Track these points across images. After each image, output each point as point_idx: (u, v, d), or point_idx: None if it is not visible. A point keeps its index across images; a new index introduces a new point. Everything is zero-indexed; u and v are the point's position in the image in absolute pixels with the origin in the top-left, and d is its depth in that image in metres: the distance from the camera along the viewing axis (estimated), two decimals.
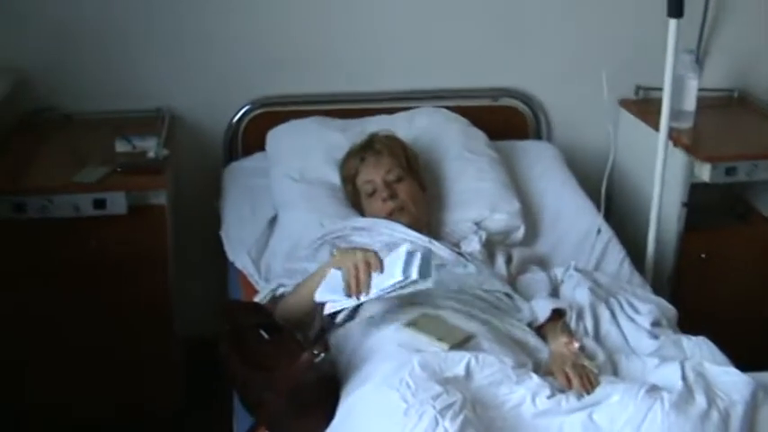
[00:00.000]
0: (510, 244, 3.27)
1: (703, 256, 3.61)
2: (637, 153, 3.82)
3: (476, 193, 3.36)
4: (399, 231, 2.97)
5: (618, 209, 4.03)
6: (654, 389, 2.31)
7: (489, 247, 3.12)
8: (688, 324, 2.91)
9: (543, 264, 3.20)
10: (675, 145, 3.53)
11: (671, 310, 2.95)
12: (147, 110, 3.67)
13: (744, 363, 2.55)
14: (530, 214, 3.44)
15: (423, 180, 3.23)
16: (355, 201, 3.21)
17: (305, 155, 3.45)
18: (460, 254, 2.95)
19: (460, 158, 3.44)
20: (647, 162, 3.42)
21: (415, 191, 3.15)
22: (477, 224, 3.26)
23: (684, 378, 2.37)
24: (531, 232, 3.38)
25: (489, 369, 2.38)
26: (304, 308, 2.65)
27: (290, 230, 3.24)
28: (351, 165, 3.19)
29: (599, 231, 3.28)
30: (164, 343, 3.38)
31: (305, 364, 2.30)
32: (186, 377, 3.51)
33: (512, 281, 2.99)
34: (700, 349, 2.68)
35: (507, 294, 2.82)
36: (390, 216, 3.03)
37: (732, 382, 2.38)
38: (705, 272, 3.66)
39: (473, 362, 2.39)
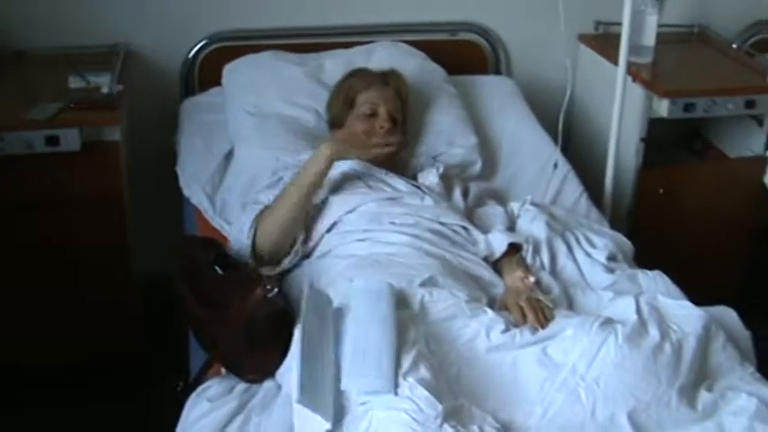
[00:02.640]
0: (467, 178, 3.20)
1: (661, 191, 3.56)
2: (596, 88, 3.77)
3: (433, 127, 3.29)
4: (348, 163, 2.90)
5: (577, 144, 3.97)
6: (608, 322, 2.27)
7: (447, 180, 3.04)
8: (645, 259, 2.87)
9: (500, 198, 3.14)
10: (634, 80, 3.47)
11: (627, 244, 2.91)
12: (102, 45, 3.55)
13: (699, 297, 2.52)
14: (487, 149, 3.37)
15: (406, 137, 3.12)
16: (341, 113, 3.08)
17: (261, 89, 3.35)
18: (417, 186, 2.88)
19: (417, 93, 3.35)
20: (607, 97, 3.36)
21: (398, 139, 3.02)
22: (435, 158, 3.19)
23: (638, 311, 2.33)
24: (488, 166, 3.32)
25: (443, 304, 2.35)
26: (285, 226, 2.65)
27: (246, 165, 3.16)
28: (366, 80, 3.08)
29: (555, 165, 3.22)
30: (122, 282, 3.31)
31: (257, 300, 2.26)
32: (145, 317, 3.43)
33: (468, 214, 2.93)
34: (655, 283, 2.65)
35: (464, 227, 2.75)
36: (375, 146, 2.90)
37: (685, 315, 2.36)
38: (663, 207, 3.61)
39: (426, 297, 2.36)
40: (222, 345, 2.34)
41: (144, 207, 3.54)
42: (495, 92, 3.65)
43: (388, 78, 3.10)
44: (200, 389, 2.32)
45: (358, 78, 3.11)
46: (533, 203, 2.95)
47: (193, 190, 3.18)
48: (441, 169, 3.04)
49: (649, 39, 3.57)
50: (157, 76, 3.70)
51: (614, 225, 3.21)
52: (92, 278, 3.27)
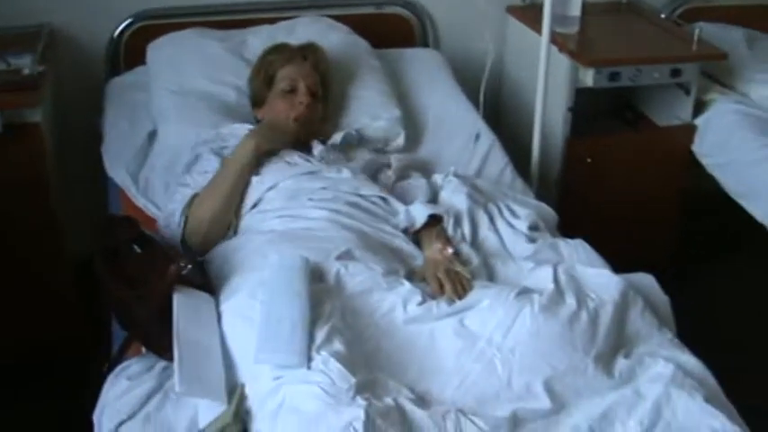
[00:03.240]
0: (391, 151, 3.18)
1: (589, 160, 3.55)
2: (525, 59, 3.72)
3: (356, 101, 3.25)
4: None
5: (507, 116, 3.96)
6: (524, 292, 2.27)
7: (365, 152, 3.06)
8: (573, 228, 2.85)
9: (425, 170, 3.09)
10: (560, 50, 3.44)
11: (551, 213, 2.90)
12: (26, 26, 3.47)
13: (628, 265, 2.52)
14: (413, 122, 3.34)
15: (327, 110, 3.11)
16: (260, 91, 3.03)
17: (183, 67, 3.30)
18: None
19: (341, 68, 3.31)
20: (535, 68, 3.33)
21: (319, 116, 3.03)
22: (357, 131, 3.15)
23: (556, 280, 2.33)
24: (413, 139, 3.28)
25: (359, 277, 2.32)
26: (216, 218, 2.65)
27: (168, 143, 3.11)
28: (283, 56, 3.02)
29: (477, 137, 3.20)
30: (54, 266, 3.24)
31: (171, 277, 2.26)
32: (83, 303, 3.36)
33: (391, 187, 2.89)
34: (576, 252, 2.63)
35: (383, 198, 2.72)
36: (295, 121, 2.89)
37: (603, 283, 2.35)
38: (591, 176, 3.59)
39: (342, 271, 2.33)
40: (140, 323, 2.31)
41: (73, 189, 3.48)
42: (422, 65, 3.61)
43: (306, 53, 3.06)
44: (119, 368, 2.30)
45: (276, 55, 3.06)
46: (456, 175, 2.91)
47: (117, 170, 3.12)
48: (341, 136, 3.02)
49: (575, 9, 3.55)
50: (83, 56, 3.62)
51: (542, 195, 3.22)
52: (22, 263, 3.19)
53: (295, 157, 2.81)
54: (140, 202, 3.01)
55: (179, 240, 2.66)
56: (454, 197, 2.80)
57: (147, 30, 3.58)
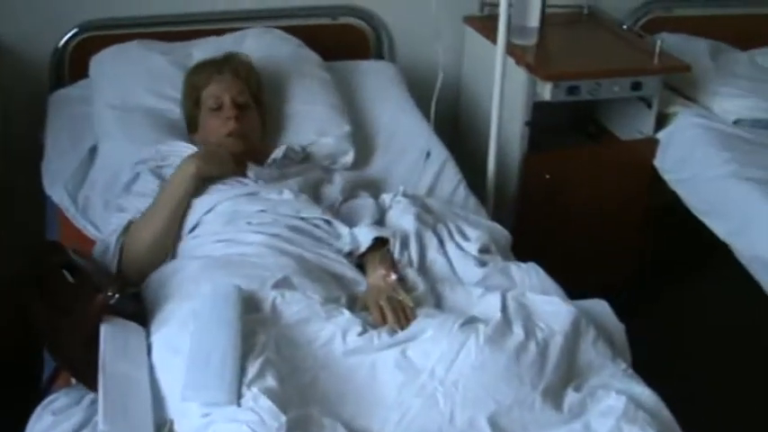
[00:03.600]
0: (339, 169, 3.06)
1: (547, 176, 3.43)
2: (482, 72, 3.62)
3: (303, 116, 3.11)
4: None
5: (465, 130, 3.85)
6: (470, 322, 2.17)
7: (311, 169, 2.92)
8: (530, 249, 2.75)
9: (375, 189, 2.98)
10: (517, 63, 3.33)
11: (504, 234, 2.79)
12: None
13: (587, 287, 2.44)
14: (363, 138, 3.21)
15: (264, 113, 2.99)
16: (192, 114, 2.92)
17: (126, 81, 3.16)
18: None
19: (289, 81, 3.20)
20: (492, 81, 3.21)
21: (256, 121, 2.90)
22: (303, 149, 3.03)
23: (504, 309, 2.24)
24: (363, 156, 3.15)
25: (296, 306, 2.22)
26: (152, 247, 2.53)
27: (109, 161, 2.96)
28: (205, 74, 2.90)
29: (428, 155, 3.07)
30: None
31: (98, 307, 2.18)
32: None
33: (337, 208, 2.78)
34: (528, 276, 2.54)
35: (326, 221, 2.61)
36: (229, 137, 2.78)
37: (553, 311, 2.26)
38: (549, 193, 3.47)
39: (278, 299, 2.22)
40: (67, 353, 2.21)
41: (13, 207, 3.34)
42: (375, 78, 3.49)
43: (222, 66, 2.92)
44: (46, 401, 2.18)
45: (196, 74, 2.94)
46: (405, 195, 2.80)
47: (55, 188, 2.98)
48: (282, 151, 2.90)
49: (534, 19, 3.44)
50: (26, 68, 3.46)
51: (498, 213, 3.13)
52: None
53: (235, 178, 2.70)
54: (79, 222, 2.87)
55: (114, 270, 2.53)
56: (402, 218, 2.68)
57: (93, 40, 3.43)
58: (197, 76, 2.93)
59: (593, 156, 3.58)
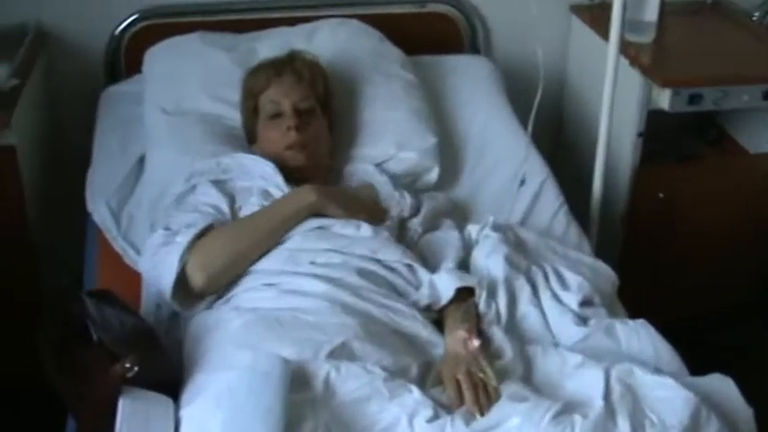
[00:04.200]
0: (421, 188, 2.65)
1: (661, 195, 2.95)
2: (589, 71, 3.17)
3: (383, 126, 2.69)
4: (273, 183, 2.37)
5: (569, 140, 3.38)
6: (565, 411, 1.77)
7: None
8: (641, 274, 2.47)
9: (461, 214, 2.59)
10: (632, 64, 2.85)
11: (610, 277, 2.36)
12: (8, 25, 2.97)
13: (706, 321, 2.03)
14: (450, 150, 2.77)
15: (333, 121, 2.61)
16: (251, 123, 2.56)
17: (182, 81, 2.77)
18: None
19: (368, 83, 2.77)
20: (601, 82, 2.74)
21: (323, 130, 2.53)
22: (378, 165, 2.62)
23: (607, 393, 1.84)
24: (450, 172, 2.72)
25: (354, 382, 1.85)
26: (233, 260, 2.18)
27: (158, 174, 2.59)
28: (262, 77, 2.52)
29: (522, 183, 2.60)
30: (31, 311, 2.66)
31: (114, 381, 1.85)
32: None
33: (416, 242, 2.40)
34: (637, 336, 2.11)
35: (408, 266, 2.22)
36: (289, 149, 2.42)
37: (668, 398, 1.85)
38: (663, 214, 2.98)
39: (333, 374, 1.85)
40: (85, 423, 1.92)
41: (62, 219, 2.95)
42: (468, 76, 3.01)
43: (283, 67, 2.53)
44: None
45: (254, 77, 2.56)
46: (495, 227, 2.37)
47: (97, 204, 2.63)
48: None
49: (652, 13, 2.95)
50: (80, 60, 3.10)
51: (603, 238, 2.77)
52: None
53: None
54: (119, 245, 2.53)
55: (170, 285, 2.13)
56: (490, 260, 2.27)
57: (154, 29, 3.04)
58: (254, 80, 2.56)
59: (717, 171, 3.07)
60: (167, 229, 2.23)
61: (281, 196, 2.29)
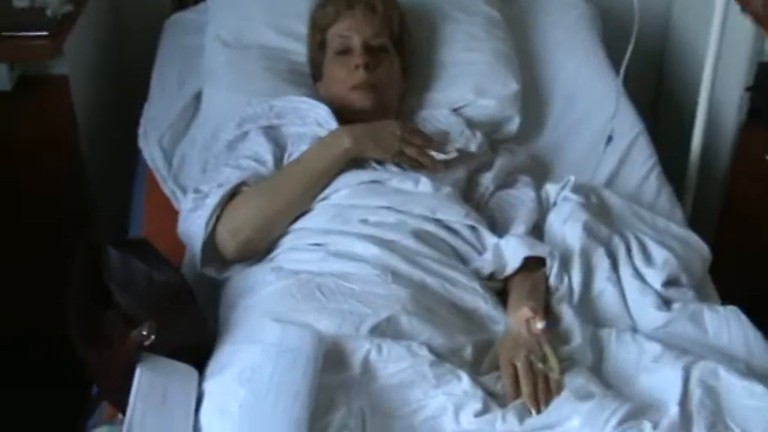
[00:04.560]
0: (499, 139, 2.39)
1: None
2: (696, 16, 2.85)
3: (461, 68, 2.43)
4: (328, 129, 2.12)
5: (670, 92, 3.06)
6: (633, 415, 1.55)
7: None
8: (738, 250, 2.32)
9: (539, 171, 2.33)
10: (743, 10, 2.53)
11: (702, 253, 2.08)
12: None
13: None
14: (534, 99, 2.50)
15: (407, 63, 2.36)
16: (317, 59, 2.33)
17: (244, 10, 2.53)
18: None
19: (446, 20, 2.51)
20: (707, 29, 2.43)
21: (395, 72, 2.28)
22: (455, 111, 2.36)
23: (684, 397, 1.61)
24: (532, 124, 2.46)
25: (396, 365, 1.65)
26: (269, 223, 1.97)
27: (213, 112, 2.38)
28: (331, 9, 2.29)
29: (609, 140, 2.30)
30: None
31: (128, 349, 1.67)
32: None
33: (485, 200, 2.16)
34: (727, 327, 1.85)
35: (472, 227, 1.99)
36: (355, 90, 2.18)
37: (756, 409, 1.61)
38: None
39: (373, 354, 1.64)
40: (107, 385, 1.75)
41: (116, 162, 2.75)
42: (561, 15, 2.70)
43: (355, 0, 2.28)
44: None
45: (323, 10, 2.32)
46: (576, 189, 2.11)
47: (149, 140, 2.44)
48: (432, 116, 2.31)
49: None
50: None
51: (699, 204, 2.51)
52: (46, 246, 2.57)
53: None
54: (168, 187, 2.34)
55: (199, 246, 1.95)
56: (566, 227, 2.02)
57: None
58: (322, 12, 2.32)
59: None
60: (197, 191, 2.02)
61: (314, 144, 2.06)
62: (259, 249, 1.97)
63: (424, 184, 2.01)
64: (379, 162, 2.06)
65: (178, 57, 2.63)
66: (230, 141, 2.20)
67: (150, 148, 2.42)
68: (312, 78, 2.38)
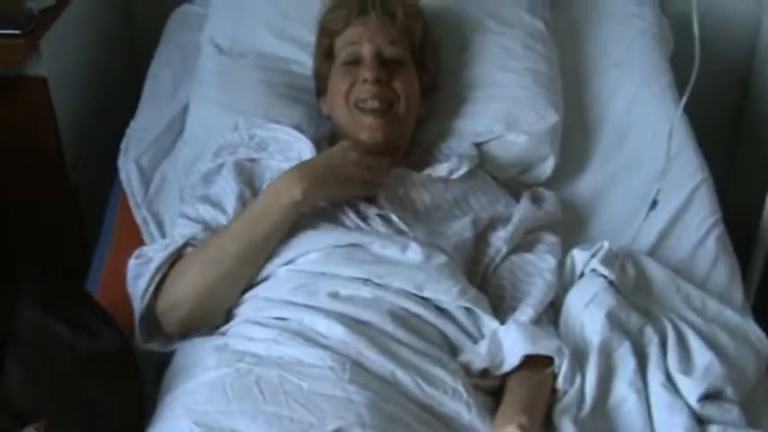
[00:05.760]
0: (528, 182, 2.02)
1: None
2: None
3: (492, 90, 2.05)
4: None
5: (754, 130, 2.57)
6: None
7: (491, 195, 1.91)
8: None
9: (572, 224, 1.94)
10: None
11: (761, 350, 1.67)
12: None
13: None
14: (578, 132, 2.11)
15: (429, 83, 2.01)
16: (322, 70, 1.99)
17: (244, 10, 2.19)
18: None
19: (481, 29, 2.11)
20: None
21: (413, 90, 1.92)
22: (479, 146, 1.99)
23: None
24: (571, 163, 2.07)
25: None
26: (212, 294, 1.65)
27: (196, 130, 2.07)
28: (342, 13, 1.96)
29: (654, 205, 1.84)
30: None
31: None
32: None
33: (496, 264, 1.78)
34: None
35: (467, 310, 1.62)
36: (357, 108, 1.86)
37: None
38: None
39: None
40: None
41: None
42: (621, 26, 2.26)
43: (370, 3, 1.94)
44: None
45: (333, 14, 1.98)
46: (609, 258, 1.71)
47: (129, 157, 2.12)
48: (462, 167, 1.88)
49: None
50: None
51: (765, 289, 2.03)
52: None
53: (346, 207, 1.76)
54: (140, 214, 2.03)
55: (139, 317, 1.66)
56: (586, 313, 1.64)
57: None
58: (331, 16, 1.98)
59: None
60: (139, 256, 1.73)
61: (262, 192, 1.72)
62: (204, 325, 1.66)
63: (414, 251, 1.65)
64: (358, 211, 1.74)
65: (177, 57, 2.31)
66: (205, 174, 1.89)
67: (126, 166, 2.10)
68: (316, 94, 2.04)
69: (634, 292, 1.70)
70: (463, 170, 1.87)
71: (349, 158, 1.73)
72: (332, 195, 1.73)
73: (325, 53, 1.97)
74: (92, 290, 1.84)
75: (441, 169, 1.86)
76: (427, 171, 1.85)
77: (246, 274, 1.66)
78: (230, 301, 1.65)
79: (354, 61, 1.89)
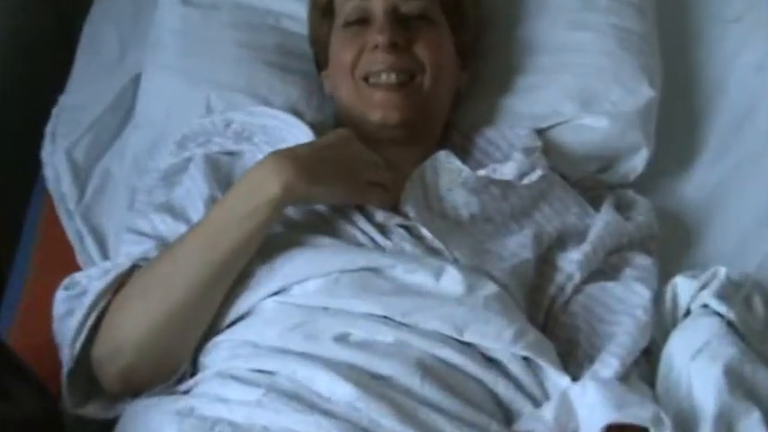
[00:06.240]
0: (611, 182, 2.06)
1: None
2: None
3: (561, 57, 2.08)
4: None
5: None
6: None
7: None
8: None
9: (673, 241, 1.99)
10: None
11: None
12: None
13: None
14: (678, 116, 2.15)
15: (469, 46, 2.04)
16: (319, 36, 2.04)
17: None
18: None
19: None
20: None
21: (445, 54, 1.94)
22: (542, 132, 2.01)
23: None
24: (671, 156, 2.10)
25: None
26: (160, 338, 1.63)
27: (154, 110, 2.12)
28: None
29: None
30: None
31: None
32: None
33: (568, 297, 1.80)
34: None
35: (525, 359, 1.62)
36: (365, 81, 1.89)
37: None
38: None
39: None
40: None
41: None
42: None
43: None
44: None
45: None
46: (727, 289, 1.71)
47: (56, 147, 2.17)
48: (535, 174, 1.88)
49: None
50: None
51: None
52: None
53: (357, 215, 1.77)
54: (72, 226, 2.07)
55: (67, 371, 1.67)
56: (695, 367, 1.63)
57: None
58: None
59: None
60: (69, 287, 1.74)
61: (230, 189, 1.71)
62: (157, 379, 1.64)
63: (452, 279, 1.64)
64: (374, 221, 1.73)
65: (125, 9, 2.39)
66: (166, 172, 1.94)
67: (54, 161, 2.14)
68: (316, 66, 2.09)
69: (764, 337, 1.70)
70: (537, 174, 1.86)
71: (350, 150, 1.72)
72: (325, 195, 1.73)
73: (322, 10, 2.00)
74: (2, 332, 1.84)
75: (507, 170, 1.84)
76: (482, 171, 1.83)
77: (207, 306, 1.64)
78: (189, 344, 1.65)
79: (361, 20, 1.91)
